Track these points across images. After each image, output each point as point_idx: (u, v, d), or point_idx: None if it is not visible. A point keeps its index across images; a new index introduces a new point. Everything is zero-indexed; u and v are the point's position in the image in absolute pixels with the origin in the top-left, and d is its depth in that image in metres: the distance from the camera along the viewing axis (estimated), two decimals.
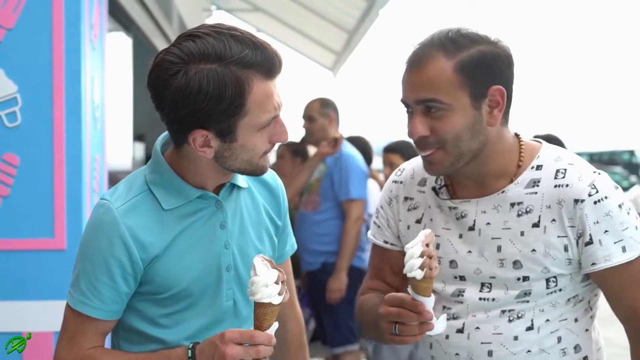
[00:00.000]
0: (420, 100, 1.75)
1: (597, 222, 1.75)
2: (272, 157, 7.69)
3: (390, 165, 4.90)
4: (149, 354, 1.76)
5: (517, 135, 1.87)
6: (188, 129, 1.67)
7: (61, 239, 2.90)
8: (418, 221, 1.93)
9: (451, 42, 1.74)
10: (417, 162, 1.98)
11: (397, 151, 4.88)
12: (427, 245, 1.65)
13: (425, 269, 1.64)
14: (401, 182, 1.99)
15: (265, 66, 1.65)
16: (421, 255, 1.64)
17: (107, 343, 1.82)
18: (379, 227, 2.02)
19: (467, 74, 1.73)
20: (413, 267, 1.65)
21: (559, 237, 1.77)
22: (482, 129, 1.77)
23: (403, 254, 1.71)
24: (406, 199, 1.97)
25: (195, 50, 1.62)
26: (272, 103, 1.68)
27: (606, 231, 1.75)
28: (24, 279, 2.89)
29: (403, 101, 1.80)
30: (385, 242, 2.00)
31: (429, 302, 1.69)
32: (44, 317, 2.83)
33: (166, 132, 1.79)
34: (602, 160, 32.13)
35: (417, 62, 1.75)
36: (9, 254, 2.89)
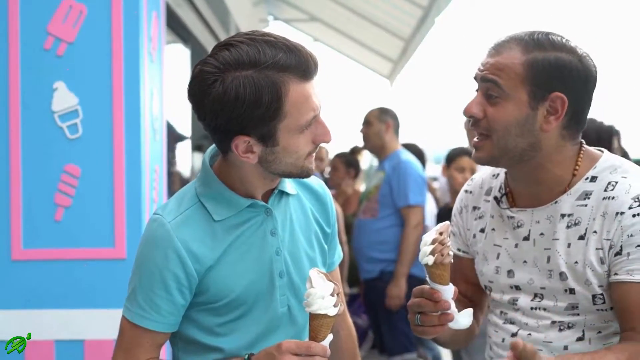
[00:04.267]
0: (484, 78, 1.78)
1: (631, 235, 1.70)
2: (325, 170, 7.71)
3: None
4: None
5: (581, 143, 1.85)
6: (230, 136, 1.69)
7: (121, 248, 2.94)
8: (482, 230, 1.96)
9: (533, 41, 1.77)
10: (486, 171, 2.01)
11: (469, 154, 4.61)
12: (440, 234, 1.69)
13: (436, 255, 1.68)
14: (471, 192, 2.03)
15: (300, 68, 1.66)
16: (432, 242, 1.68)
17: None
18: (453, 235, 2.04)
19: (534, 72, 1.74)
20: (425, 253, 1.69)
21: (596, 249, 1.75)
22: (534, 130, 1.77)
23: (474, 261, 1.82)
24: (474, 208, 2.00)
25: (231, 58, 1.64)
26: (310, 104, 1.69)
27: (638, 245, 1.70)
28: (85, 288, 2.94)
29: (474, 77, 1.84)
30: (458, 249, 2.03)
31: (445, 290, 1.71)
32: (104, 325, 2.88)
33: (214, 145, 1.82)
34: None
35: (496, 48, 1.80)
36: (70, 263, 2.94)
